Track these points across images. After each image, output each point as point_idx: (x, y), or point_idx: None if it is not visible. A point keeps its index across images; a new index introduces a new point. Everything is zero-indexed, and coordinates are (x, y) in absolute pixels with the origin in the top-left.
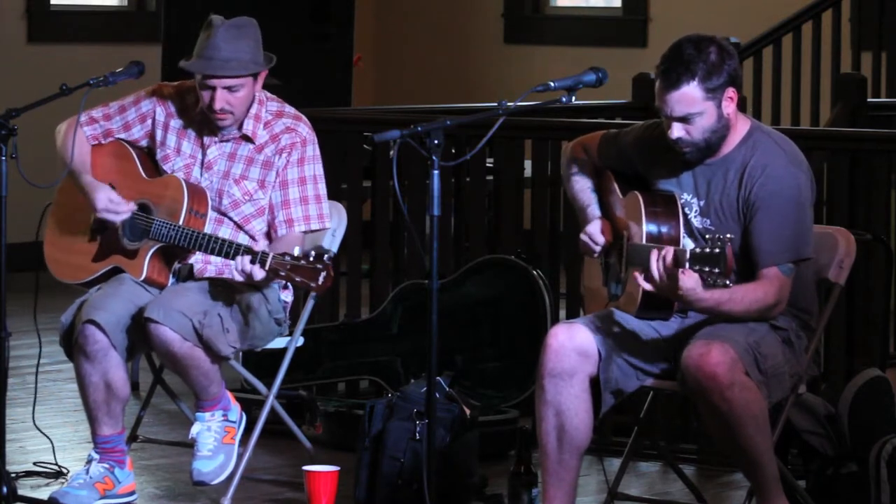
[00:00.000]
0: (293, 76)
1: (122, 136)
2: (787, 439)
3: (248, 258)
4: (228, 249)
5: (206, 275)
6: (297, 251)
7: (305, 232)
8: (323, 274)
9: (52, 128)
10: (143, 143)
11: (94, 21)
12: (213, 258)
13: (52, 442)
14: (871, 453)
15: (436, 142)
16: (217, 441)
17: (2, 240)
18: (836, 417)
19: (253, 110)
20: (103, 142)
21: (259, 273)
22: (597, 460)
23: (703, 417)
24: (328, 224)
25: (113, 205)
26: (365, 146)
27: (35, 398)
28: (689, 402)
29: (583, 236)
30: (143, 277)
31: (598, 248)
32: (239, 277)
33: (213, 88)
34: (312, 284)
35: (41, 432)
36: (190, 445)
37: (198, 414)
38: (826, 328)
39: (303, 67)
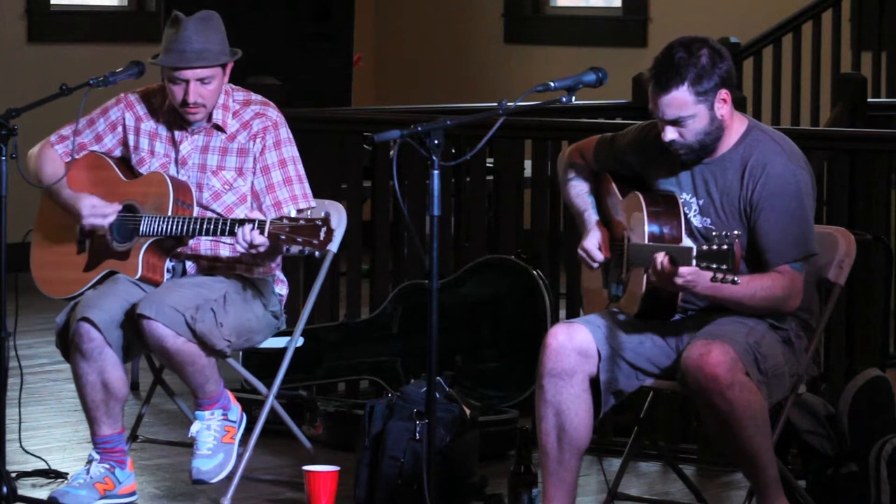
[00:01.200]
0: (293, 76)
1: (95, 147)
2: (787, 439)
3: (248, 226)
4: (224, 227)
5: (200, 252)
6: (292, 213)
7: (297, 212)
8: (323, 229)
9: (52, 128)
10: (117, 152)
11: (94, 21)
12: (202, 240)
13: (46, 462)
14: (871, 453)
15: (436, 142)
16: (217, 440)
17: (2, 240)
18: (836, 417)
19: (220, 100)
20: (76, 157)
21: (260, 239)
22: (597, 460)
23: (704, 417)
24: (313, 202)
25: (98, 209)
26: (365, 146)
27: (20, 404)
28: (689, 402)
29: (580, 252)
30: (138, 276)
31: (595, 266)
32: (241, 250)
33: (186, 82)
34: (315, 241)
35: (29, 453)
36: (190, 445)
37: (197, 413)
38: (826, 328)
39: (303, 67)
